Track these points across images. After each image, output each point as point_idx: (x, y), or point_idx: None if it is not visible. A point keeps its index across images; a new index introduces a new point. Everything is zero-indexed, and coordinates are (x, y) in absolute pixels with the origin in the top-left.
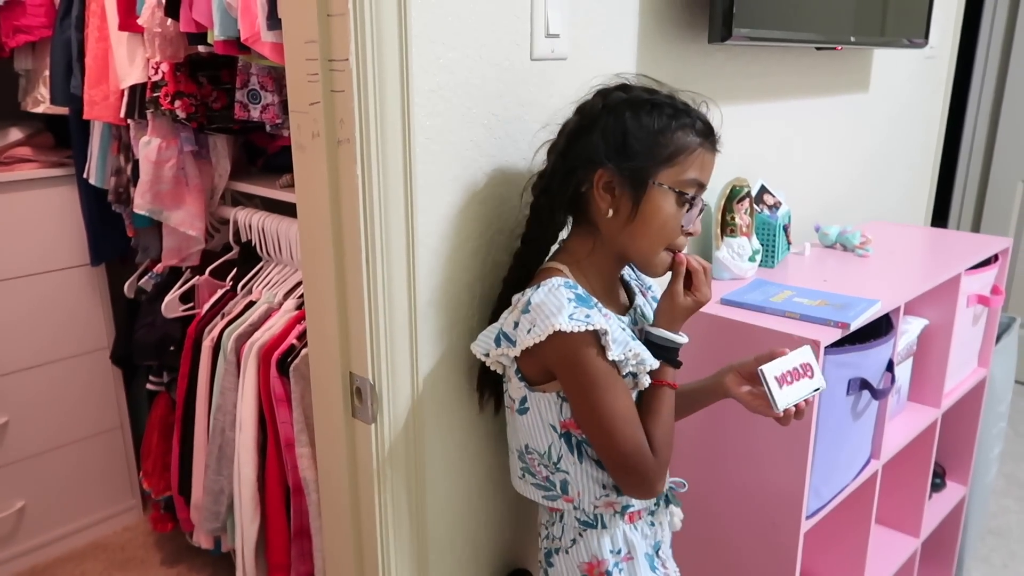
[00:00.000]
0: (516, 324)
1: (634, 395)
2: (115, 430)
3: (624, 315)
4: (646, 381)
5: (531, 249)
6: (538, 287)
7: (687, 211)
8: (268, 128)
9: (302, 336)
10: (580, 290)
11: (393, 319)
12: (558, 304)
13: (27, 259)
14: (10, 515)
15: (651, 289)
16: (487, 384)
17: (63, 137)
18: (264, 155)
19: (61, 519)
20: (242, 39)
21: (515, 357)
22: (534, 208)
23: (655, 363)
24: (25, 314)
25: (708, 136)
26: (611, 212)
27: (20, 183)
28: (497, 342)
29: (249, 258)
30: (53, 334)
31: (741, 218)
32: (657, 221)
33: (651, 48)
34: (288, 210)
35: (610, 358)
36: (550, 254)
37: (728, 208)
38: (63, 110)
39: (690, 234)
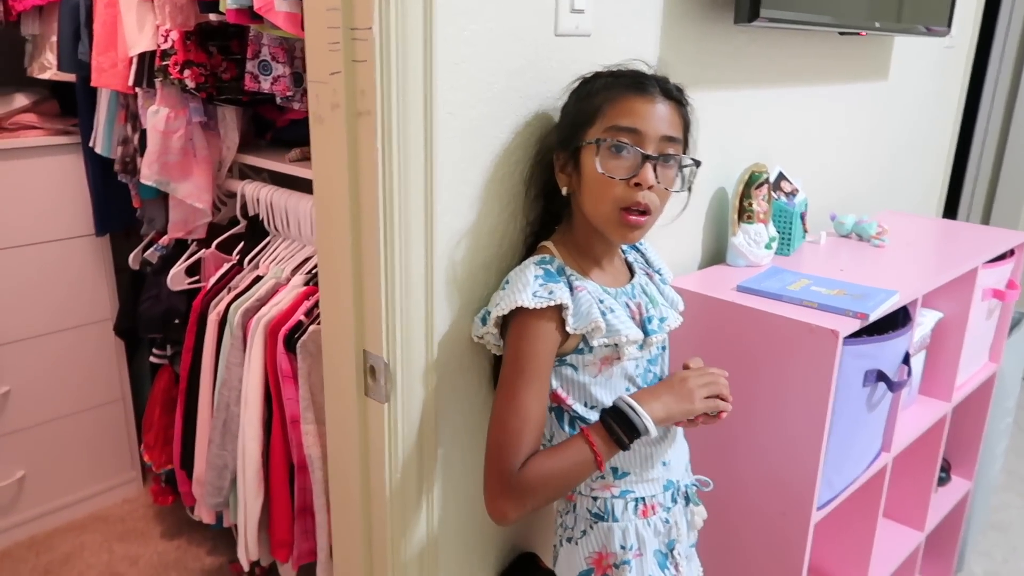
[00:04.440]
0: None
1: (616, 369)
2: (117, 402)
3: (612, 287)
4: (630, 352)
5: (534, 227)
6: (520, 264)
7: (617, 159)
8: (278, 100)
9: (310, 312)
10: (554, 265)
11: (409, 297)
12: (524, 281)
13: (31, 228)
14: (10, 484)
15: (660, 273)
16: None
17: (69, 104)
18: (273, 128)
19: (61, 490)
20: (255, 8)
21: (498, 334)
22: (537, 188)
23: (635, 333)
24: (28, 283)
25: (635, 84)
26: (566, 190)
27: (25, 150)
28: (483, 321)
29: (256, 232)
30: (56, 304)
31: (759, 204)
32: (592, 179)
33: (675, 27)
34: (296, 184)
35: (568, 330)
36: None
37: (746, 194)
38: (70, 77)
39: (639, 185)
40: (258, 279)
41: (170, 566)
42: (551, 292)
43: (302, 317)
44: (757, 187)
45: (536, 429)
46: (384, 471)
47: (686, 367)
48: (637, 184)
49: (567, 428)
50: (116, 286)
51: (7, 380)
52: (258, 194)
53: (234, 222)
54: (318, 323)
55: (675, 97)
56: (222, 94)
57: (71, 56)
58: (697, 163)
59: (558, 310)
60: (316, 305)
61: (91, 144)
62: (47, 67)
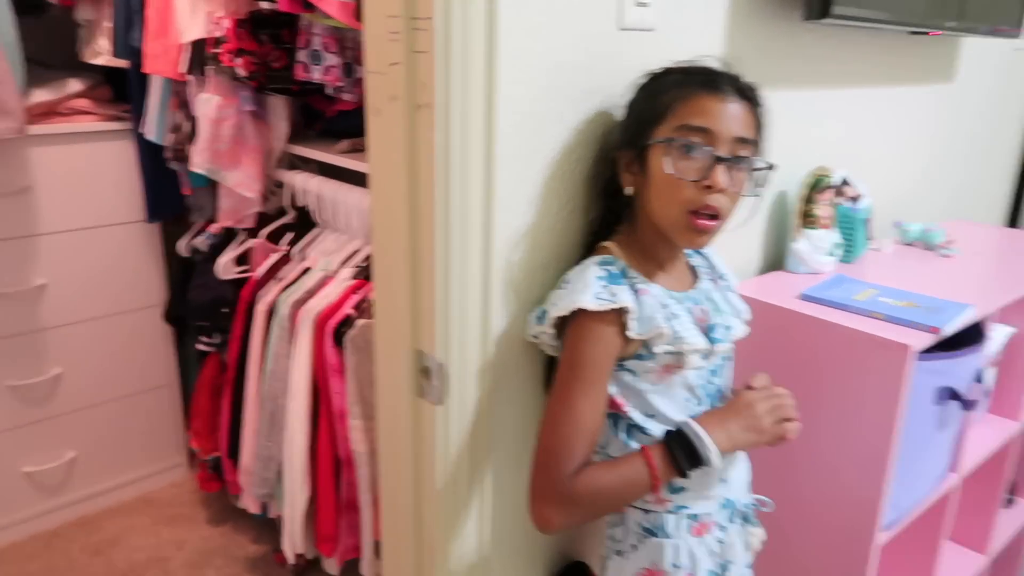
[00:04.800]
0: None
1: (677, 378)
2: (165, 387)
3: (676, 291)
4: (693, 361)
5: (594, 227)
6: (580, 264)
7: (687, 159)
8: (328, 91)
9: (358, 306)
10: (616, 266)
11: (466, 297)
12: (586, 282)
13: (83, 213)
14: (61, 465)
15: (724, 278)
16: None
17: (122, 90)
18: (322, 119)
19: (110, 472)
20: None
21: (555, 334)
22: (596, 189)
23: (700, 342)
24: (80, 268)
25: (707, 82)
26: (630, 190)
27: (78, 135)
28: (539, 319)
29: (305, 223)
30: (107, 289)
31: (822, 210)
32: (659, 179)
33: (741, 23)
34: (345, 176)
35: (630, 335)
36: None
37: (810, 198)
38: (123, 62)
39: (709, 188)
40: (307, 271)
41: (215, 552)
42: (614, 294)
43: (350, 311)
44: (821, 191)
45: (590, 437)
46: (435, 474)
47: (750, 387)
48: (707, 186)
49: (623, 436)
50: (166, 272)
51: (60, 362)
52: (307, 185)
53: (283, 212)
54: (366, 317)
55: (749, 97)
56: (272, 83)
57: (124, 42)
58: (770, 166)
59: (620, 314)
60: (364, 299)
61: (142, 130)
62: (100, 52)
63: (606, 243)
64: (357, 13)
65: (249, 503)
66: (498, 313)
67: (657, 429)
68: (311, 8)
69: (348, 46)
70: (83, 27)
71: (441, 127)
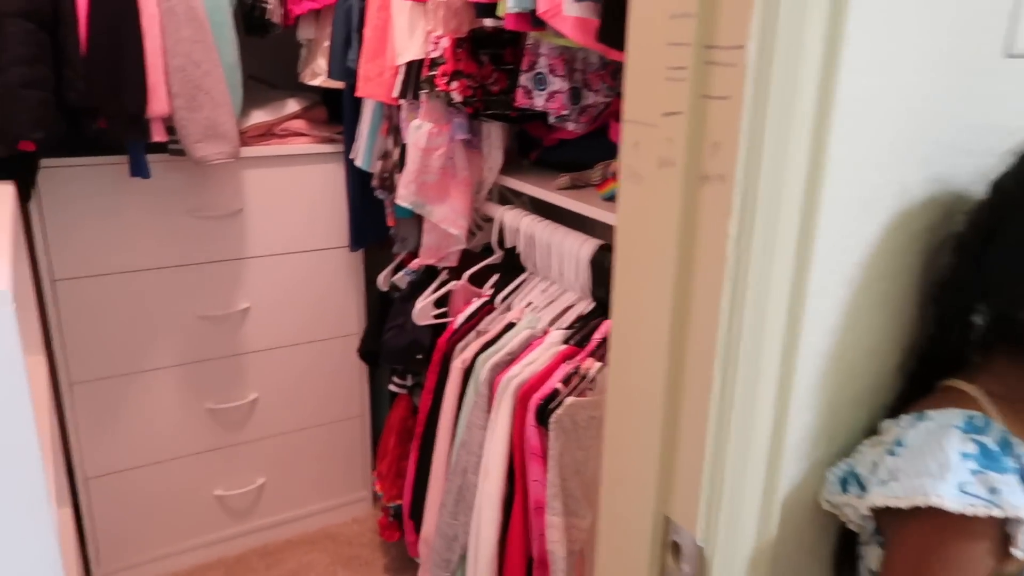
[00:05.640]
0: (876, 464)
1: None
2: (355, 419)
3: None
4: None
5: (930, 350)
6: (921, 416)
7: None
8: (551, 119)
9: (568, 380)
10: (992, 434)
11: (748, 450)
12: (943, 459)
13: (289, 236)
14: (251, 491)
15: None
16: (851, 558)
17: (336, 111)
18: (538, 147)
19: (295, 501)
20: (538, 12)
21: (868, 513)
22: (935, 296)
23: None
24: (283, 293)
25: None
26: None
27: (290, 157)
28: (843, 484)
29: (512, 266)
30: (306, 315)
31: None
32: None
33: None
34: (561, 216)
35: (1016, 554)
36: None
37: None
38: (339, 84)
39: None
40: (510, 325)
41: None
42: (993, 491)
43: (558, 384)
44: None
45: None
46: None
47: None
48: None
49: None
50: (365, 301)
51: (256, 387)
52: (517, 223)
53: (488, 250)
54: (577, 394)
55: None
56: (489, 109)
57: (341, 63)
58: None
59: (998, 526)
60: (576, 371)
61: (352, 156)
62: (318, 73)
63: (959, 383)
64: (602, 33)
65: None
66: (787, 469)
67: None
68: (541, 25)
69: (577, 68)
70: (304, 47)
71: (739, 212)
